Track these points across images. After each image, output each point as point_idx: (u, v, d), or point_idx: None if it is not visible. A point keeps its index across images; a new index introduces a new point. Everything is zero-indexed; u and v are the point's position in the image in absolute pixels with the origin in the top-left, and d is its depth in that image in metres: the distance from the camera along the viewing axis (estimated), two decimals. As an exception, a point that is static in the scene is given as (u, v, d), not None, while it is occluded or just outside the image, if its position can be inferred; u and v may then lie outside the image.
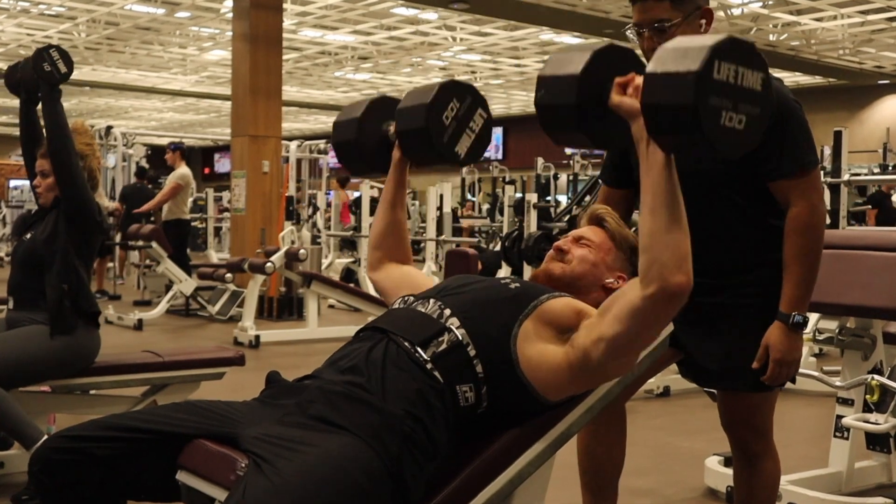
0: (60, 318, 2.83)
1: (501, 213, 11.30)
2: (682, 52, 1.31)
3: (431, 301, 1.61)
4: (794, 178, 1.90)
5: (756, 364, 1.93)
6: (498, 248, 9.38)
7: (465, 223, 11.80)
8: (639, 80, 1.37)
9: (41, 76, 2.91)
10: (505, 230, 8.20)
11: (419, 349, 1.52)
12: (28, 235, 3.00)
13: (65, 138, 2.90)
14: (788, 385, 2.06)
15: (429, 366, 1.50)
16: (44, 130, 2.96)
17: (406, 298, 1.69)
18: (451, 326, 1.54)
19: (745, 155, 1.90)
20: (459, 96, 1.78)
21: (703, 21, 1.94)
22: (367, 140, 1.89)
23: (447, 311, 1.57)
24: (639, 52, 1.66)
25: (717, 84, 1.29)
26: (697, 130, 1.29)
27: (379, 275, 1.91)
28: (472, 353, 1.52)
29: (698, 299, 1.97)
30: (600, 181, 2.25)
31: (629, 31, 1.97)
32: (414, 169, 1.90)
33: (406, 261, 1.93)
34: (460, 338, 1.53)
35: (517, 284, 1.65)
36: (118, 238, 8.68)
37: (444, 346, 1.52)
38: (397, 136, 1.82)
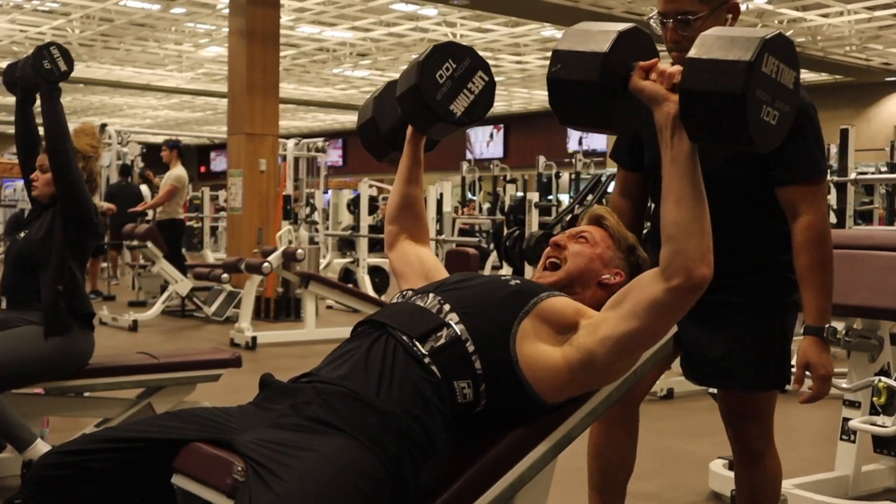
0: (55, 318, 2.81)
1: (503, 212, 11.23)
2: (728, 40, 1.31)
3: (431, 296, 1.61)
4: (805, 185, 1.90)
5: (796, 385, 1.91)
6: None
7: (459, 223, 11.71)
8: (664, 66, 1.39)
9: (41, 74, 2.88)
10: (503, 231, 8.05)
11: (417, 343, 1.51)
12: (21, 235, 2.97)
13: (64, 138, 2.88)
14: (791, 386, 2.04)
15: (426, 360, 1.49)
16: (42, 129, 2.91)
17: (405, 293, 1.69)
18: (451, 321, 1.53)
19: (757, 157, 1.87)
20: (456, 57, 1.78)
21: (730, 15, 1.92)
22: (384, 118, 1.92)
23: (446, 307, 1.56)
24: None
25: (764, 77, 1.31)
26: (743, 121, 1.29)
27: (395, 253, 1.91)
28: (471, 348, 1.51)
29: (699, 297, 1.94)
30: (614, 159, 2.25)
31: (652, 19, 1.95)
32: (426, 144, 1.90)
33: (423, 239, 1.93)
34: (459, 333, 1.52)
35: (517, 281, 1.65)
36: (108, 238, 8.66)
37: (442, 340, 1.51)
38: (397, 100, 1.83)
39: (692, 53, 1.32)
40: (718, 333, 2.01)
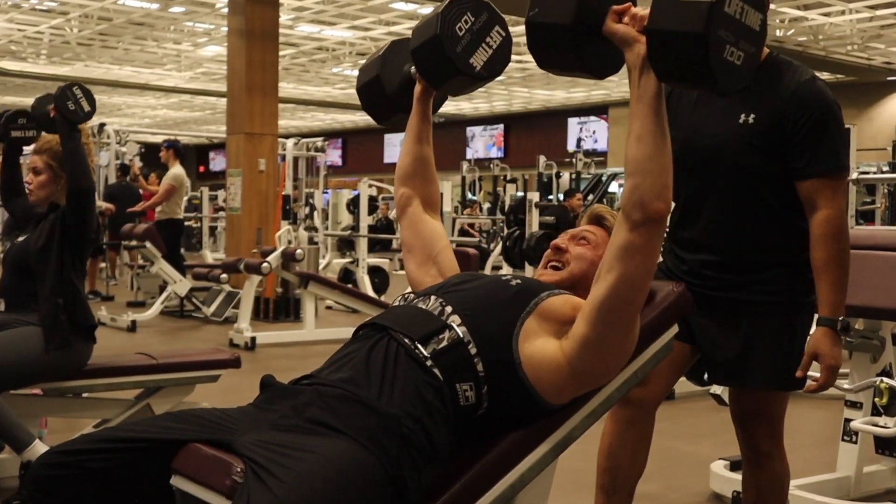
0: (55, 332, 2.80)
1: (503, 212, 11.20)
2: None
3: (432, 298, 1.60)
4: (826, 178, 1.91)
5: (801, 373, 1.92)
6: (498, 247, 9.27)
7: (460, 223, 11.69)
8: (636, 9, 1.42)
9: (65, 115, 2.87)
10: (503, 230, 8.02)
11: (419, 346, 1.50)
12: (20, 238, 2.96)
13: (86, 177, 2.89)
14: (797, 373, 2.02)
15: (428, 363, 1.48)
16: (66, 169, 2.91)
17: (406, 295, 1.68)
18: (452, 323, 1.53)
19: (783, 152, 1.92)
20: (475, 11, 1.76)
21: None
22: (390, 78, 1.87)
23: (448, 308, 1.55)
24: None
25: (727, 17, 1.33)
26: (704, 60, 1.32)
27: (407, 220, 1.86)
28: (473, 350, 1.50)
29: (718, 294, 2.02)
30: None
31: None
32: (436, 101, 1.87)
33: (435, 206, 1.89)
34: (461, 335, 1.51)
35: (518, 281, 1.64)
36: (107, 238, 8.65)
37: (444, 342, 1.50)
38: (412, 55, 1.78)
39: None
40: (735, 331, 2.01)
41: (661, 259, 1.96)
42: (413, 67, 1.82)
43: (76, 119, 2.87)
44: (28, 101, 20.12)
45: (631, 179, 1.44)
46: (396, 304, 1.68)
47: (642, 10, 1.42)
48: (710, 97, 2.00)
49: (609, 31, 1.42)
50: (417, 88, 1.82)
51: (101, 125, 10.49)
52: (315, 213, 10.27)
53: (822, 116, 1.91)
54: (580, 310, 1.53)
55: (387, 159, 22.91)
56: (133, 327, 6.95)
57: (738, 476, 2.26)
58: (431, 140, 1.87)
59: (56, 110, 2.86)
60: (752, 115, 1.95)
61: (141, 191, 9.54)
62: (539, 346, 1.52)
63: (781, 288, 1.99)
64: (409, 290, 1.79)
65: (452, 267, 1.81)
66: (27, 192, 3.03)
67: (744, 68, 1.37)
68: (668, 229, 2.23)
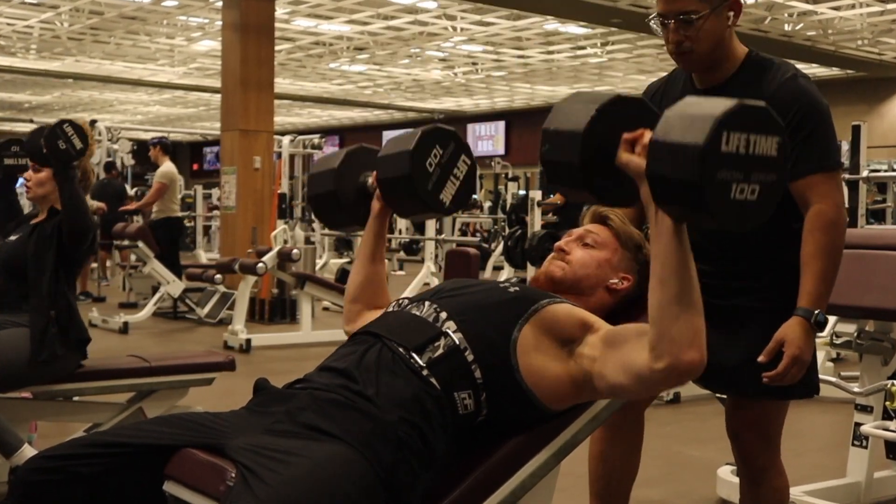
0: (44, 346, 2.78)
1: (504, 211, 11.04)
2: (688, 119, 1.26)
3: (427, 304, 1.58)
4: (816, 175, 1.88)
5: (764, 358, 1.85)
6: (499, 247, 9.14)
7: (459, 222, 11.56)
8: (647, 138, 1.34)
9: (57, 156, 2.83)
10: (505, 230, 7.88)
11: (414, 355, 1.49)
12: (15, 237, 2.95)
13: (85, 216, 2.89)
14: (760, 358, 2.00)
15: (424, 372, 1.47)
16: (62, 207, 2.91)
17: (400, 301, 1.66)
18: (448, 330, 1.51)
19: None
20: (442, 143, 1.77)
21: (731, 13, 1.90)
22: (346, 191, 1.88)
23: (443, 315, 1.54)
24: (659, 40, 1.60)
25: (727, 156, 1.24)
26: (704, 208, 1.26)
27: (355, 326, 1.81)
28: (470, 357, 1.49)
29: (714, 301, 1.91)
30: None
31: (653, 21, 1.92)
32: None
33: (385, 305, 1.84)
34: (457, 342, 1.50)
35: (516, 288, 1.62)
36: (98, 237, 8.49)
37: (440, 351, 1.49)
38: (379, 185, 1.80)
39: (655, 133, 1.29)
40: (736, 339, 1.96)
41: None
42: (370, 180, 1.83)
43: (67, 158, 2.82)
44: (17, 97, 19.98)
45: (657, 327, 1.35)
46: (390, 309, 1.66)
47: None
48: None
49: (622, 163, 1.37)
50: (376, 206, 1.82)
51: (93, 122, 10.40)
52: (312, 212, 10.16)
53: (807, 114, 1.87)
54: (590, 327, 1.51)
55: (384, 157, 22.78)
56: (125, 329, 6.91)
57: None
58: (384, 256, 1.90)
59: (47, 150, 2.82)
60: None
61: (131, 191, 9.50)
62: (540, 359, 1.50)
63: (781, 293, 1.94)
64: (404, 294, 1.80)
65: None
66: (25, 189, 3.01)
67: (763, 201, 1.29)
68: None
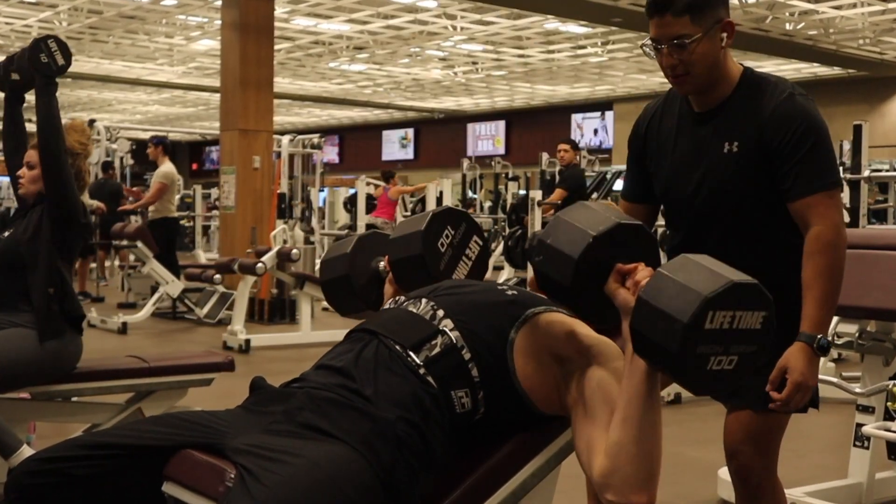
0: (49, 322, 2.79)
1: (504, 211, 11.01)
2: (679, 288, 1.28)
3: (423, 301, 1.57)
4: (815, 196, 1.88)
5: (769, 387, 1.86)
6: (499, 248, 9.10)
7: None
8: (640, 275, 1.39)
9: (37, 68, 2.82)
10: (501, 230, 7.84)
11: (411, 353, 1.48)
12: (6, 234, 2.93)
13: (57, 136, 2.84)
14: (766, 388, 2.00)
15: (422, 371, 1.47)
16: (31, 125, 2.88)
17: (397, 299, 1.66)
18: (445, 328, 1.51)
19: (767, 174, 1.91)
20: (454, 224, 1.79)
21: (724, 34, 1.91)
22: (358, 276, 1.90)
23: (440, 312, 1.53)
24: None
25: (709, 333, 1.28)
26: (679, 375, 1.31)
27: None
28: (467, 356, 1.49)
29: None
30: (620, 198, 2.29)
31: (646, 46, 1.92)
32: None
33: None
34: (454, 340, 1.49)
35: (513, 291, 1.62)
36: (97, 238, 8.64)
37: (437, 349, 1.49)
38: (391, 266, 1.82)
39: (644, 292, 1.32)
40: None
41: None
42: (382, 264, 1.86)
43: (48, 72, 2.81)
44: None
45: (611, 461, 1.36)
46: (387, 307, 1.66)
47: (645, 277, 1.37)
48: (690, 129, 1.99)
49: (610, 292, 1.41)
50: (389, 290, 1.85)
51: (92, 121, 10.39)
52: (311, 212, 10.14)
53: (804, 134, 1.87)
54: (580, 347, 1.49)
55: (385, 157, 22.76)
56: (124, 329, 6.90)
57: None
58: None
59: (28, 61, 2.82)
60: (736, 143, 1.94)
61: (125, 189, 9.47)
62: (533, 369, 1.50)
63: (781, 307, 1.86)
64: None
65: None
66: (18, 185, 2.99)
67: (738, 370, 1.32)
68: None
